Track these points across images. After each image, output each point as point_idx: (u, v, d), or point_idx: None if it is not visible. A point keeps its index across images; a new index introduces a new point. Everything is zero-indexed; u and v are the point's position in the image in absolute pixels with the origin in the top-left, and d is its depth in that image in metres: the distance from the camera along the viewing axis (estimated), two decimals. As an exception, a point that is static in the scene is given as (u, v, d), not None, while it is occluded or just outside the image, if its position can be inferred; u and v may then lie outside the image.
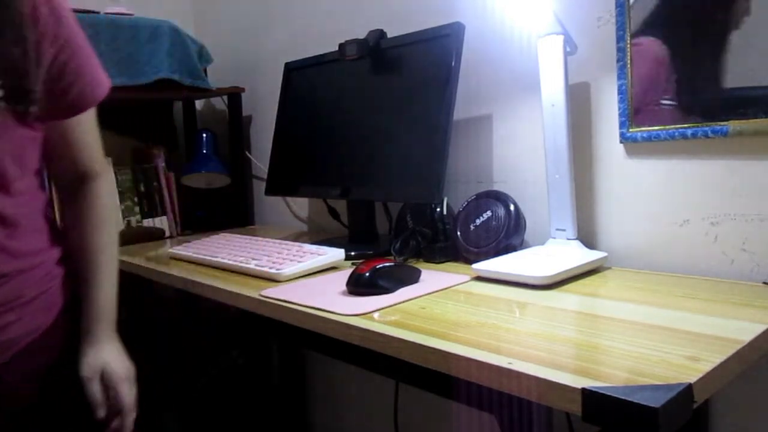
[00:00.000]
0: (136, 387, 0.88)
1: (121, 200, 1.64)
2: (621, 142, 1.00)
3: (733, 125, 0.87)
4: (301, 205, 1.72)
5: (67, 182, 0.88)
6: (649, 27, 0.94)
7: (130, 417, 0.86)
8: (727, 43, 0.85)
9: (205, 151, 1.78)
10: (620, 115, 0.99)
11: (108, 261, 0.89)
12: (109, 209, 0.92)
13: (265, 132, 1.81)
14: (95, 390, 0.84)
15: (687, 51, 0.90)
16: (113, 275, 0.90)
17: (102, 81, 0.84)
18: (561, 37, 0.98)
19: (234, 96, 1.78)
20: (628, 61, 0.97)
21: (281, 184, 1.44)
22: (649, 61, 0.94)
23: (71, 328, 0.86)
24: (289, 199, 1.75)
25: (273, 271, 1.02)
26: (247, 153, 1.85)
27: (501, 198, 1.07)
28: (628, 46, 0.96)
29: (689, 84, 0.90)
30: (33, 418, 0.84)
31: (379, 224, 1.32)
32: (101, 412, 0.84)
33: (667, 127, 0.94)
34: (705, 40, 0.87)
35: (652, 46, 0.94)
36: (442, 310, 0.79)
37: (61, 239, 0.88)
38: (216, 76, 1.83)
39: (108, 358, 0.86)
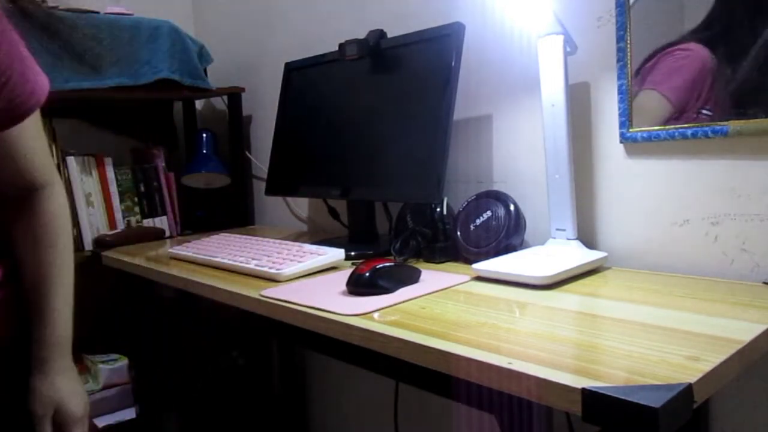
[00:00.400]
0: (88, 425, 0.83)
1: (121, 200, 1.64)
2: (621, 142, 1.00)
3: (733, 125, 0.87)
4: (301, 205, 1.72)
5: (12, 195, 0.81)
6: (696, 35, 0.90)
7: None
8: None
9: (205, 151, 1.78)
10: (620, 115, 0.99)
11: (62, 282, 0.82)
12: (60, 222, 0.84)
13: (265, 132, 1.81)
14: (46, 430, 0.78)
15: (737, 62, 0.86)
16: (69, 297, 0.83)
17: (35, 89, 0.73)
18: (561, 37, 0.98)
19: (234, 96, 1.78)
20: (628, 61, 0.97)
21: (281, 184, 1.44)
22: (696, 67, 0.91)
23: (18, 356, 0.80)
24: (289, 199, 1.75)
25: (273, 271, 1.02)
26: (247, 153, 1.85)
27: (501, 198, 1.07)
28: (628, 46, 0.96)
29: (737, 98, 0.87)
30: None
31: (379, 224, 1.32)
32: None
33: (667, 127, 0.94)
34: (758, 54, 0.84)
35: (701, 53, 0.90)
36: (442, 310, 0.79)
37: (4, 258, 0.81)
38: (216, 76, 1.83)
39: (63, 392, 0.80)
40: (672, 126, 0.93)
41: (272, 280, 1.02)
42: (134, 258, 1.34)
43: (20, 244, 0.82)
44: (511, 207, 1.05)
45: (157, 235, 1.63)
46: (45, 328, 0.81)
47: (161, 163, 1.72)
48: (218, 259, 1.15)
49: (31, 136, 0.78)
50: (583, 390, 0.52)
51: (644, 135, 0.96)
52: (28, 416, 0.79)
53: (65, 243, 0.84)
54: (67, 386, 0.81)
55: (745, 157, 0.88)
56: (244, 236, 1.34)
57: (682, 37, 0.92)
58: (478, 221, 1.07)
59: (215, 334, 1.77)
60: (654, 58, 0.95)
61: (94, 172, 1.59)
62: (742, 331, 0.65)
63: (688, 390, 0.52)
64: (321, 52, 1.38)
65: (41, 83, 0.75)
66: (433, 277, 0.96)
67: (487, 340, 0.66)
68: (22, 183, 0.80)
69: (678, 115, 0.93)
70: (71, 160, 1.54)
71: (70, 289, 0.84)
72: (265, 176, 1.54)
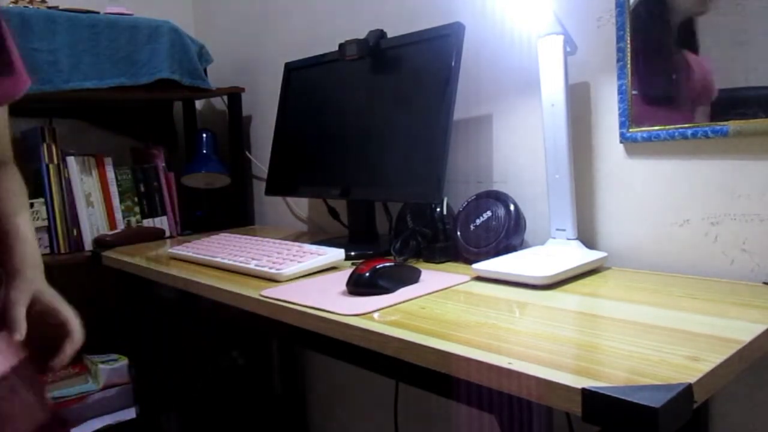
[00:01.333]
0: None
1: (121, 200, 1.64)
2: (621, 142, 1.00)
3: (733, 125, 0.87)
4: (301, 205, 1.72)
5: None
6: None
7: (77, 339, 0.81)
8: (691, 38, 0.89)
9: (205, 151, 1.78)
10: (620, 115, 0.99)
11: (26, 224, 0.88)
12: (20, 189, 0.92)
13: (265, 132, 1.81)
14: (19, 312, 0.78)
15: (645, 44, 0.94)
16: (33, 238, 0.88)
17: (20, 78, 0.81)
18: (561, 37, 0.98)
19: (234, 96, 1.78)
20: (628, 61, 0.97)
21: (281, 184, 1.44)
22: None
23: None
24: (289, 199, 1.75)
25: (273, 271, 1.02)
26: (247, 153, 1.85)
27: (501, 198, 1.07)
28: (628, 46, 0.96)
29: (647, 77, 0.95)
30: None
31: (379, 224, 1.32)
32: (19, 335, 0.76)
33: (667, 127, 0.94)
34: (662, 35, 0.92)
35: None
36: (442, 310, 0.79)
37: None
38: (216, 76, 1.83)
39: (41, 286, 0.82)
40: (672, 126, 0.93)
41: (272, 280, 1.02)
42: (134, 258, 1.34)
43: None
44: (511, 207, 1.05)
45: (157, 235, 1.63)
46: (18, 253, 0.84)
47: (161, 163, 1.72)
48: (218, 259, 1.15)
49: (4, 117, 0.88)
50: (583, 390, 0.52)
51: (644, 135, 0.96)
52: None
53: (25, 201, 0.92)
54: (45, 286, 0.83)
55: (745, 157, 0.88)
56: (244, 236, 1.34)
57: None
58: (478, 221, 1.07)
59: (215, 334, 1.77)
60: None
61: (94, 172, 1.59)
62: (742, 331, 0.65)
63: (688, 390, 0.52)
64: (321, 52, 1.38)
65: (25, 77, 0.83)
66: (433, 277, 0.96)
67: (487, 340, 0.66)
68: None
69: None
70: (71, 160, 1.54)
71: (34, 237, 0.89)
72: (265, 176, 1.54)
